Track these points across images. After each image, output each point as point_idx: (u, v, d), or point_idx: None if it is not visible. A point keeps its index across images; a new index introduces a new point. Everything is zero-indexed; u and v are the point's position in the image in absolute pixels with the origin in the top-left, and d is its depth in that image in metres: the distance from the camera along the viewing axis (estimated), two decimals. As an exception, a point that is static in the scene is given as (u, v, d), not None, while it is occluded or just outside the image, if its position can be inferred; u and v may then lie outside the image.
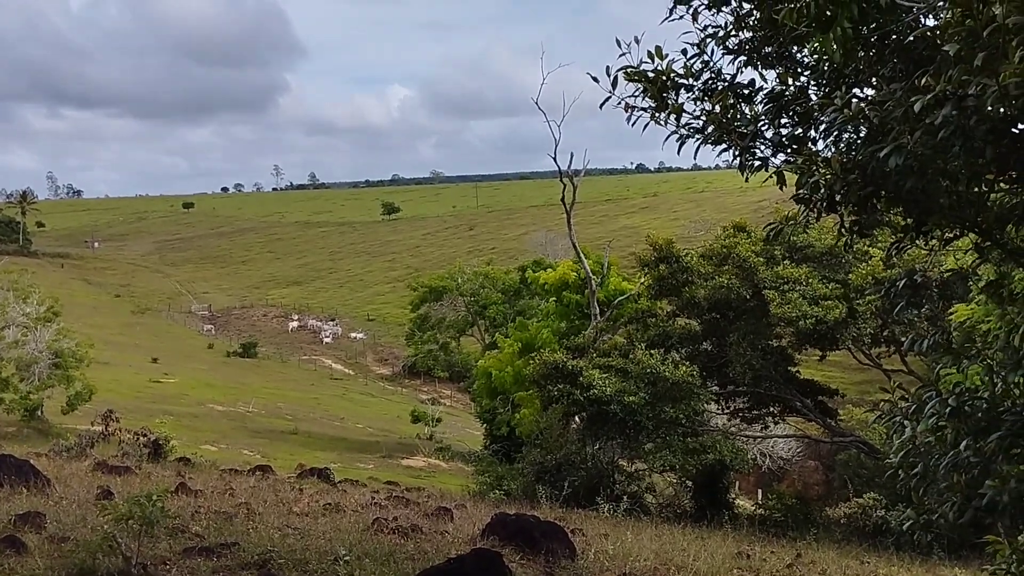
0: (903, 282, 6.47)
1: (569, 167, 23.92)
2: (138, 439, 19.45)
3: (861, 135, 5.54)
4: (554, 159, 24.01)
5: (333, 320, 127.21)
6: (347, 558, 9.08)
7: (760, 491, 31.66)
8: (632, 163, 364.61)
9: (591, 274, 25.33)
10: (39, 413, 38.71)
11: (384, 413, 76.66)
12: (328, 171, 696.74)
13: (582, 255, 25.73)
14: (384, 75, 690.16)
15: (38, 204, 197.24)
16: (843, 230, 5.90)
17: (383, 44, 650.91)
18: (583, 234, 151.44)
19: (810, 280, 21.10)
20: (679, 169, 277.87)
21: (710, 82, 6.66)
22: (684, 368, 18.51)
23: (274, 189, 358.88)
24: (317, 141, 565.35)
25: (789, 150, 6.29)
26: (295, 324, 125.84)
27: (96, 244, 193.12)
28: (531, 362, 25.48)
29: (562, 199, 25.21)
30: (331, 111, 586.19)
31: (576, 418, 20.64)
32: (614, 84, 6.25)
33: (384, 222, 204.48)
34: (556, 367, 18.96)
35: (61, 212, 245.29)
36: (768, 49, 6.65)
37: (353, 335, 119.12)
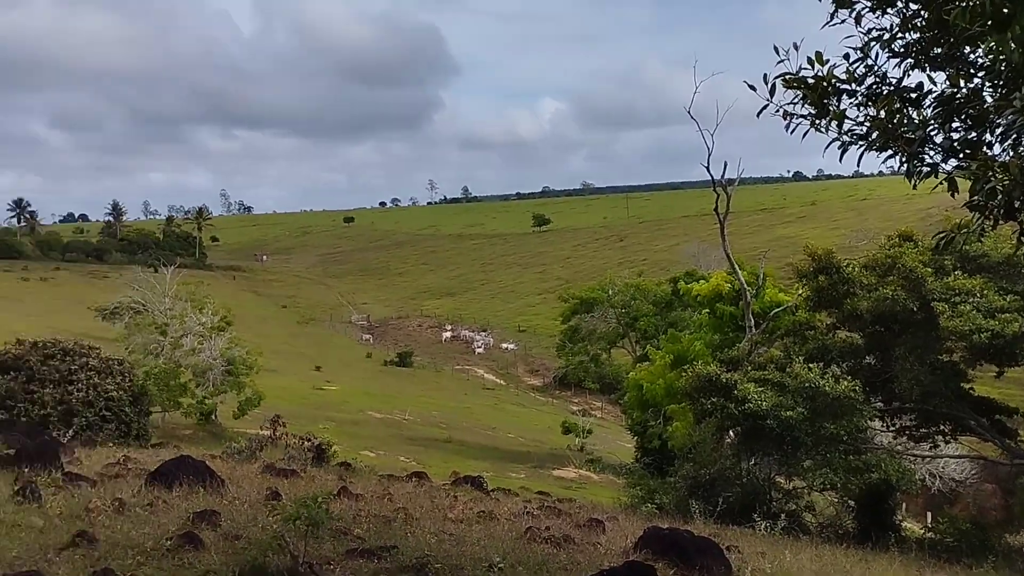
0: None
1: (723, 176, 23.50)
2: (303, 444, 20.33)
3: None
4: (707, 168, 23.62)
5: (485, 331, 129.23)
6: (501, 565, 9.21)
7: (929, 514, 29.97)
8: (789, 171, 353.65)
9: (746, 285, 24.70)
10: (213, 417, 41.06)
11: (535, 423, 77.12)
12: (480, 184, 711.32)
13: (736, 266, 25.14)
14: (535, 89, 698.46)
15: (212, 220, 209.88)
16: (1022, 238, 5.56)
17: (534, 59, 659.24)
18: (737, 245, 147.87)
19: (985, 292, 19.80)
20: (839, 177, 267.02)
21: (874, 87, 6.41)
22: (845, 383, 17.72)
23: (429, 203, 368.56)
24: (470, 156, 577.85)
25: (961, 155, 5.99)
26: (448, 334, 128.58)
27: (264, 258, 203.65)
28: (684, 375, 25.08)
29: (715, 209, 24.71)
30: (483, 126, 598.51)
31: (730, 432, 20.16)
32: (772, 92, 6.12)
33: (535, 234, 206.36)
34: (710, 380, 18.56)
35: (233, 227, 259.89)
36: (937, 50, 6.34)
37: (504, 345, 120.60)
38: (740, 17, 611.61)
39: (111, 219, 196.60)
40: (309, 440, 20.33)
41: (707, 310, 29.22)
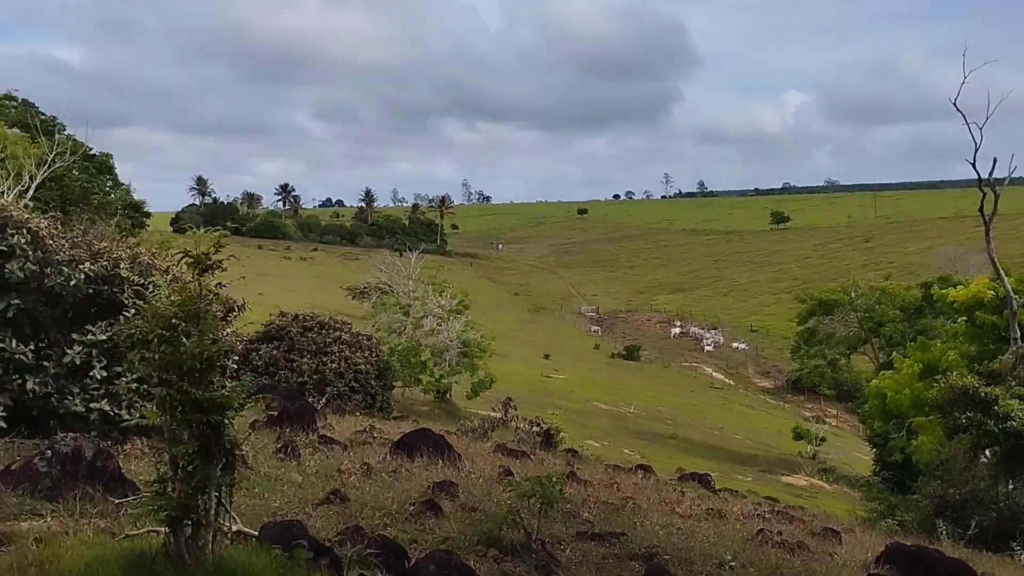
0: None
1: (991, 174, 21.53)
2: (532, 427, 20.85)
3: None
4: (973, 165, 21.74)
5: (715, 328, 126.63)
6: (732, 564, 9.03)
7: None
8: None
9: (1012, 293, 22.58)
10: (448, 396, 42.99)
11: (764, 427, 74.72)
12: (717, 179, 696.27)
13: (1002, 271, 23.00)
14: (779, 82, 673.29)
15: (453, 208, 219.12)
16: None
17: (780, 51, 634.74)
18: (1003, 250, 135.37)
19: None
20: None
21: None
22: None
23: (663, 197, 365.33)
24: (707, 149, 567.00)
25: None
26: (677, 330, 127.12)
27: (500, 246, 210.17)
28: (934, 385, 23.36)
29: (980, 210, 22.74)
30: (723, 119, 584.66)
31: (986, 451, 18.53)
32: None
33: (772, 231, 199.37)
34: (966, 392, 17.09)
35: (472, 216, 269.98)
36: None
37: (735, 345, 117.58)
38: (1013, 4, 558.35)
39: (363, 205, 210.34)
40: (538, 425, 20.80)
41: (964, 318, 26.98)
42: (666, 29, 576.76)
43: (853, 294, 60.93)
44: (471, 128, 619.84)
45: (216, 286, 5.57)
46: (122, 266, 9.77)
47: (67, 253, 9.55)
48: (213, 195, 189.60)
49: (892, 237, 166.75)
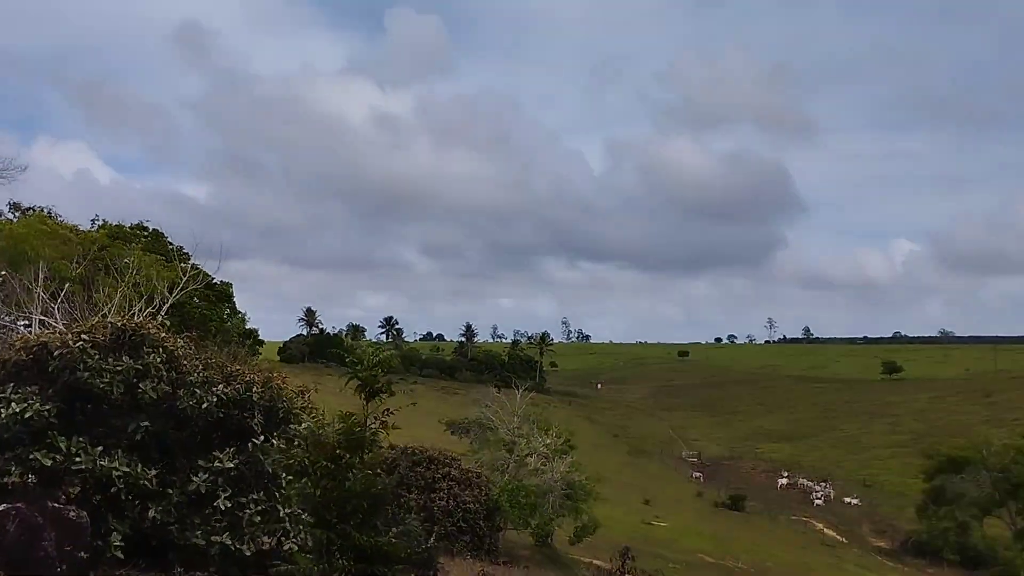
0: None
1: None
2: (650, 581, 19.37)
3: None
4: None
5: (825, 481, 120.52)
6: None
7: None
8: None
9: None
10: (549, 540, 41.22)
11: (882, 591, 69.58)
12: (823, 326, 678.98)
13: None
14: (887, 230, 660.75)
15: (552, 346, 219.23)
16: None
17: (888, 199, 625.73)
18: None
19: None
20: None
21: None
22: None
23: (767, 342, 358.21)
24: (812, 295, 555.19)
25: None
26: (784, 481, 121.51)
27: (599, 386, 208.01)
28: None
29: None
30: (828, 266, 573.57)
31: None
32: None
33: (884, 381, 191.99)
34: None
35: (571, 354, 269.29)
36: None
37: (847, 500, 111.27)
38: None
39: (463, 340, 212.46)
40: (659, 579, 19.25)
41: None
42: (770, 175, 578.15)
43: (985, 451, 56.87)
44: (572, 267, 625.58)
45: (383, 414, 4.96)
46: (255, 390, 9.34)
47: (200, 374, 9.19)
48: (320, 326, 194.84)
49: (1015, 392, 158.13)
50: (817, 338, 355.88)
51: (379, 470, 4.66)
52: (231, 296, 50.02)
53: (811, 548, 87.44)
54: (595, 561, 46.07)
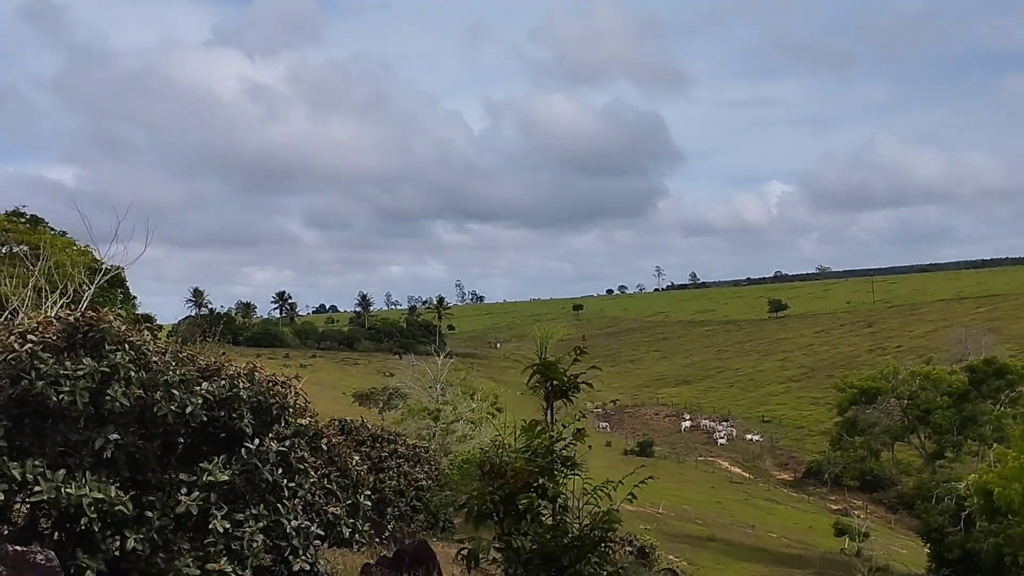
0: None
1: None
2: (623, 546, 18.67)
3: None
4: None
5: (726, 420, 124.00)
6: None
7: None
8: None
9: None
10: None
11: (793, 522, 71.73)
12: (708, 270, 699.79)
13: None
14: (761, 174, 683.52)
15: (449, 309, 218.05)
16: None
17: (759, 143, 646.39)
18: (1007, 330, 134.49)
19: None
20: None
21: None
22: None
23: (656, 290, 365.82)
24: (696, 242, 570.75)
25: None
26: (688, 423, 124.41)
27: (499, 344, 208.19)
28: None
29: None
30: (709, 212, 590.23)
31: None
32: None
33: (771, 320, 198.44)
34: None
35: (467, 316, 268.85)
36: None
37: (748, 437, 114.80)
38: (982, 91, 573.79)
39: (359, 310, 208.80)
40: (631, 543, 18.56)
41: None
42: (647, 126, 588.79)
43: (893, 381, 58.74)
44: (461, 229, 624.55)
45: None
46: (241, 385, 7.84)
47: (176, 372, 7.63)
48: (209, 306, 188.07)
49: (895, 321, 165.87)
50: (704, 283, 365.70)
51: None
52: (123, 281, 46.79)
53: (721, 487, 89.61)
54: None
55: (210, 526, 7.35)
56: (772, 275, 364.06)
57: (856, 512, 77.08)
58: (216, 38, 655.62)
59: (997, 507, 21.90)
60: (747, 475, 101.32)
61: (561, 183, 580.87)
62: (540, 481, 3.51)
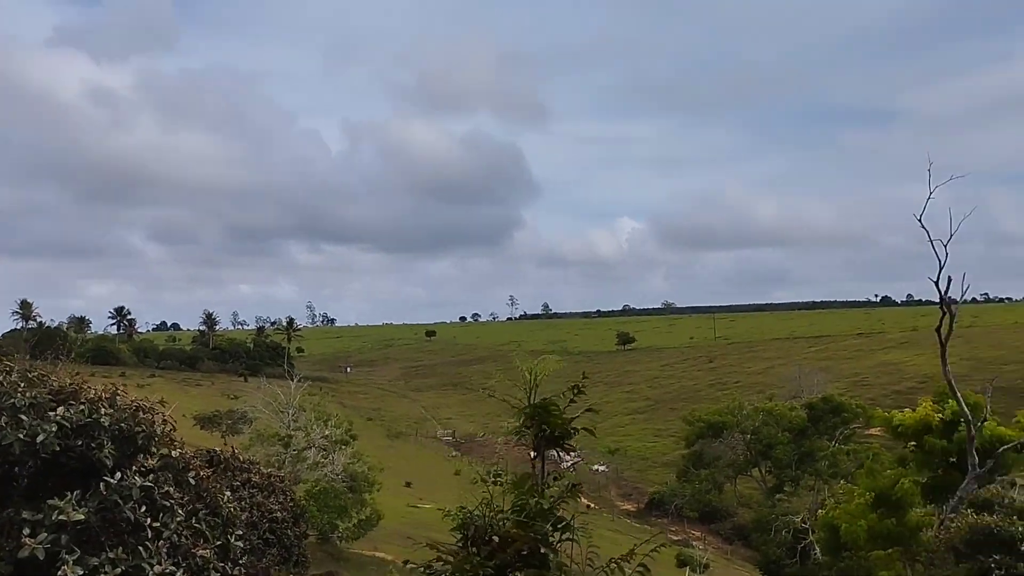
0: None
1: (946, 293, 21.25)
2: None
3: None
4: (936, 284, 21.36)
5: (574, 450, 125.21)
6: None
7: None
8: (876, 296, 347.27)
9: (970, 416, 22.07)
10: (334, 538, 38.96)
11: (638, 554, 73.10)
12: (560, 301, 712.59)
13: (959, 396, 22.52)
14: (614, 209, 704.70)
15: (299, 331, 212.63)
16: None
17: (613, 180, 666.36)
18: (838, 369, 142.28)
19: None
20: (931, 302, 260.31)
21: None
22: None
23: (509, 319, 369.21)
24: (550, 273, 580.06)
25: None
26: (535, 453, 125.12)
27: (349, 369, 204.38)
28: (889, 516, 22.31)
29: (937, 329, 22.34)
30: (563, 244, 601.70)
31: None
32: None
33: (619, 352, 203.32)
34: (991, 533, 15.78)
35: (317, 339, 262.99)
36: None
37: (595, 467, 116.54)
38: (821, 144, 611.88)
39: (203, 329, 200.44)
40: None
41: (913, 444, 26.50)
42: (506, 157, 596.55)
43: (739, 416, 60.90)
44: (314, 250, 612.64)
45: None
46: (103, 411, 6.93)
47: (26, 395, 6.66)
48: (39, 319, 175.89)
49: (733, 357, 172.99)
50: (556, 313, 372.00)
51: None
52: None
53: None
54: (378, 554, 44.35)
55: (59, 573, 6.40)
56: (621, 308, 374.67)
57: (695, 543, 79.38)
58: (59, 37, 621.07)
59: (843, 543, 22.67)
60: (592, 505, 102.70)
61: (419, 209, 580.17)
62: (541, 550, 3.03)
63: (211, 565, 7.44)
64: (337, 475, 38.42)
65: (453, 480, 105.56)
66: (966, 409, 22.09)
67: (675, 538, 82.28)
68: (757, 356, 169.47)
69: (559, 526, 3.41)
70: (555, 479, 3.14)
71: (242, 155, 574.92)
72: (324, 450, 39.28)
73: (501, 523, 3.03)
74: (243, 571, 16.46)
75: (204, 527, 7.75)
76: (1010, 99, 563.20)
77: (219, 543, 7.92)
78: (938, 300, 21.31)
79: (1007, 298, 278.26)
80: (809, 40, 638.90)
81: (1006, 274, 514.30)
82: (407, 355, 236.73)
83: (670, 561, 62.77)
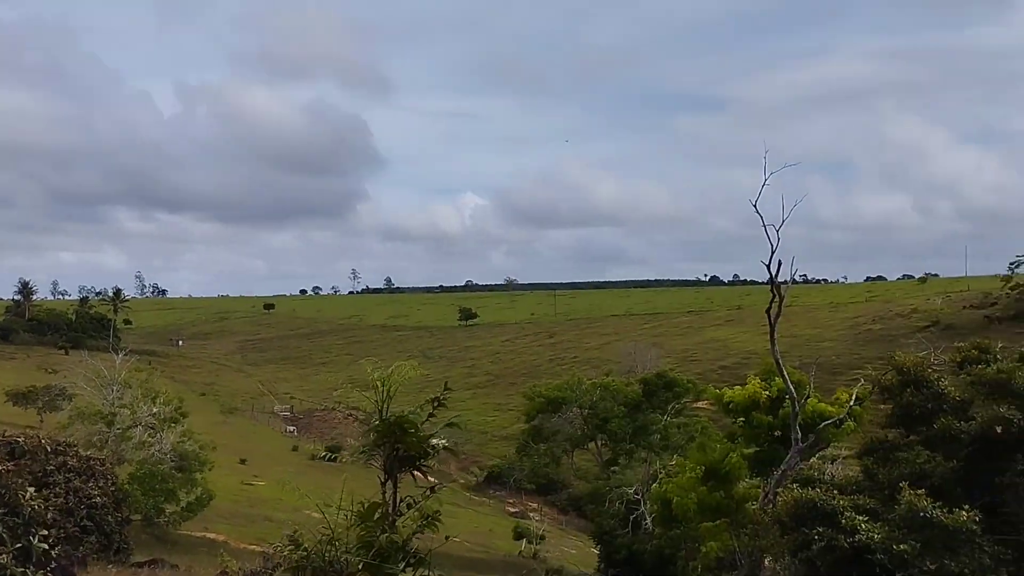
0: None
1: (776, 276, 22.16)
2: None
3: None
4: (767, 267, 22.23)
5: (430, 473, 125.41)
6: None
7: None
8: (706, 275, 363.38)
9: (795, 394, 23.23)
10: (158, 519, 37.20)
11: (475, 526, 73.75)
12: (403, 276, 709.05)
13: (786, 374, 23.65)
14: (458, 185, 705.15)
15: (127, 302, 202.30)
16: None
17: (457, 155, 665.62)
18: (668, 346, 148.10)
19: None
20: (754, 283, 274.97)
21: None
22: (965, 513, 15.86)
23: (351, 292, 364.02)
24: (393, 247, 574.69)
25: None
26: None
27: (180, 343, 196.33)
28: (717, 489, 23.25)
29: (767, 311, 23.31)
30: (407, 218, 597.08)
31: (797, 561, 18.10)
32: None
33: (461, 327, 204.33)
34: (814, 506, 16.53)
35: (147, 310, 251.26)
36: None
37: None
38: (656, 128, 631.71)
39: (19, 298, 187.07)
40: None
41: (742, 419, 27.62)
42: (350, 128, 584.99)
43: (577, 391, 62.24)
44: (145, 218, 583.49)
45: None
46: None
47: None
48: None
49: (572, 333, 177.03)
50: (398, 288, 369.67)
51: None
52: None
53: (407, 491, 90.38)
54: (208, 535, 42.70)
55: None
56: (463, 284, 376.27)
57: (532, 515, 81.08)
58: None
59: (674, 515, 23.46)
60: (432, 480, 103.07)
61: (259, 178, 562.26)
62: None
63: (7, 572, 6.66)
64: (166, 455, 36.65)
65: (291, 456, 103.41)
66: (791, 387, 23.23)
67: (513, 510, 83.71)
68: (595, 332, 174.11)
69: (412, 562, 3.00)
70: (409, 506, 2.74)
71: (64, 115, 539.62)
72: (152, 428, 37.36)
73: (345, 563, 2.61)
74: (49, 575, 15.28)
75: (2, 529, 6.94)
76: (827, 93, 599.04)
77: (19, 546, 7.12)
78: (767, 281, 22.23)
79: (823, 279, 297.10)
80: (649, 26, 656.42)
81: (823, 256, 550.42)
82: (244, 328, 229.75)
83: (508, 534, 63.81)
